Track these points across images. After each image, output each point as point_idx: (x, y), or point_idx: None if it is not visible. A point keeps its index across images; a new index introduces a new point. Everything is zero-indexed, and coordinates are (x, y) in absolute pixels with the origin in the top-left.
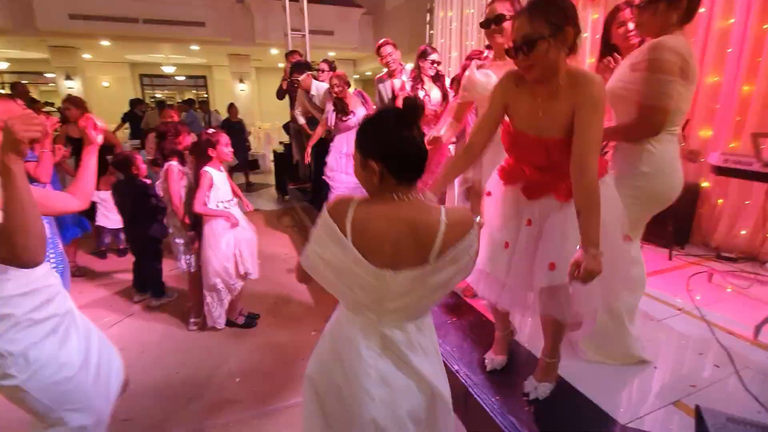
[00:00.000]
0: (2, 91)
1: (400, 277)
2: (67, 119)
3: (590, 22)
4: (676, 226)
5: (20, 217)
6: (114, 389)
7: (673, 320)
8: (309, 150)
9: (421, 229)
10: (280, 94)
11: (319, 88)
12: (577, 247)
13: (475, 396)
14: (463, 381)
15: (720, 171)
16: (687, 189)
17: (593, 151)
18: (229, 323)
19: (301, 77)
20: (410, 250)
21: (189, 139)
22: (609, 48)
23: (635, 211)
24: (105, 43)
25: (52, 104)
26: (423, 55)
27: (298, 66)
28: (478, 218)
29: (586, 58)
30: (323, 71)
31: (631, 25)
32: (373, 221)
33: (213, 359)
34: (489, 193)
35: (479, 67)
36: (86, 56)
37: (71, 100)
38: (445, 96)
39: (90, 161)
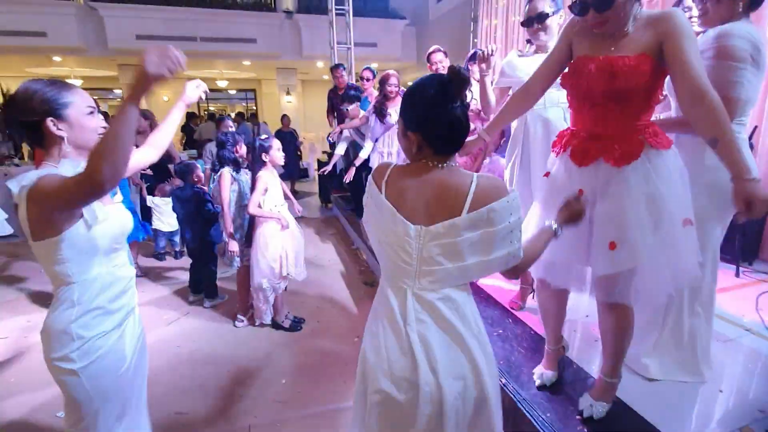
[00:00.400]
0: None
1: (432, 231)
2: (137, 130)
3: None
4: (743, 240)
5: (113, 142)
6: (143, 394)
7: (740, 341)
8: (353, 171)
9: (452, 190)
10: (329, 114)
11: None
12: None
13: (525, 412)
14: (512, 395)
15: None
16: None
17: (701, 72)
18: (276, 325)
19: (351, 107)
20: (442, 209)
21: (243, 148)
22: None
23: (710, 213)
24: None
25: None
26: (473, 59)
27: (348, 96)
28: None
29: None
30: (368, 80)
31: (694, 11)
32: (407, 181)
33: (260, 360)
34: (547, 174)
35: (520, 56)
36: None
37: (141, 112)
38: None
39: (177, 116)
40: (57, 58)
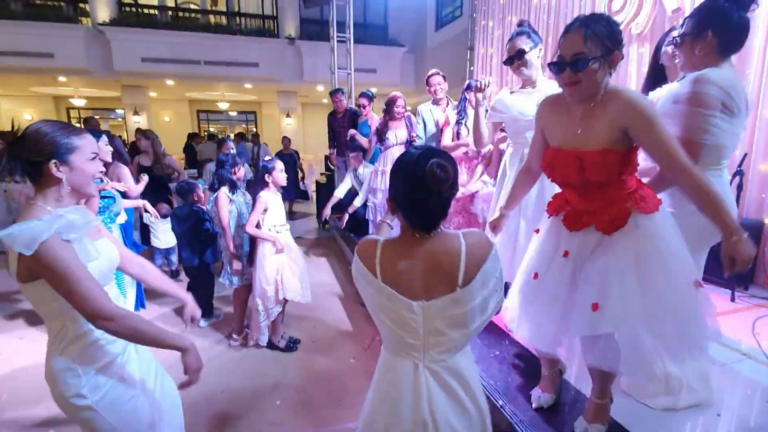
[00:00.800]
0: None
1: (434, 306)
2: (138, 150)
3: (637, 55)
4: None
5: (132, 337)
6: (176, 418)
7: (737, 365)
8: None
9: (444, 259)
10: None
11: (366, 167)
12: (628, 285)
13: None
14: (509, 417)
15: None
16: (749, 226)
17: (675, 150)
18: (271, 345)
19: (353, 154)
20: (439, 280)
21: (242, 170)
22: (656, 71)
23: (694, 246)
24: (170, 82)
25: (120, 137)
26: (469, 88)
27: (353, 146)
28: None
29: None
30: (364, 107)
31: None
32: (399, 260)
33: (255, 380)
34: (537, 231)
35: (511, 92)
36: (152, 94)
37: (143, 132)
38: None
39: (166, 288)
40: (62, 78)
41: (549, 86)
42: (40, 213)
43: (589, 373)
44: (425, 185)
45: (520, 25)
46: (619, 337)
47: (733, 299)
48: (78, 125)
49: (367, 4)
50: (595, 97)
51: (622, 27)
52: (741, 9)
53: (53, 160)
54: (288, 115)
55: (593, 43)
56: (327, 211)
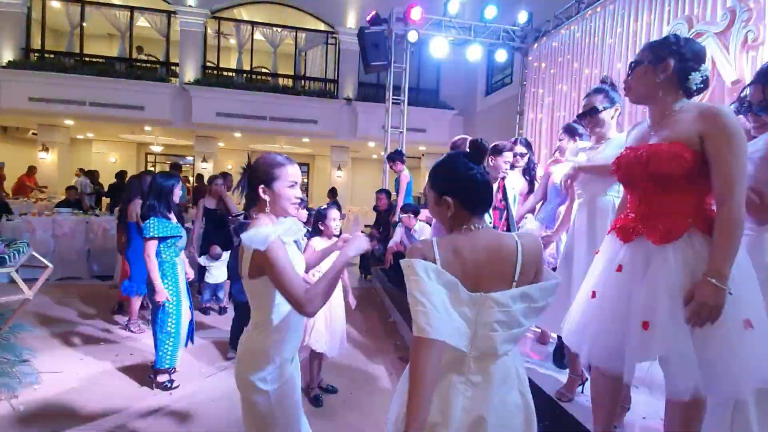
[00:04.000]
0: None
1: (492, 298)
2: (203, 192)
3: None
4: None
5: (331, 288)
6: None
7: None
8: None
9: (503, 253)
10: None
11: (422, 229)
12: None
13: None
14: None
15: None
16: None
17: (732, 181)
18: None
19: (405, 215)
20: (495, 273)
21: (300, 213)
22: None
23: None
24: (237, 134)
25: (187, 179)
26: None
27: (408, 207)
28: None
29: None
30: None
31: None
32: (458, 252)
33: None
34: (597, 252)
35: (581, 149)
36: (220, 144)
37: (223, 175)
38: (531, 184)
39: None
40: (147, 128)
41: (621, 139)
42: (263, 223)
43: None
44: (472, 159)
45: (602, 81)
46: (670, 363)
47: None
48: (157, 168)
49: (421, 70)
50: (662, 106)
51: None
52: None
53: (261, 186)
54: (339, 168)
55: (646, 51)
56: (389, 257)
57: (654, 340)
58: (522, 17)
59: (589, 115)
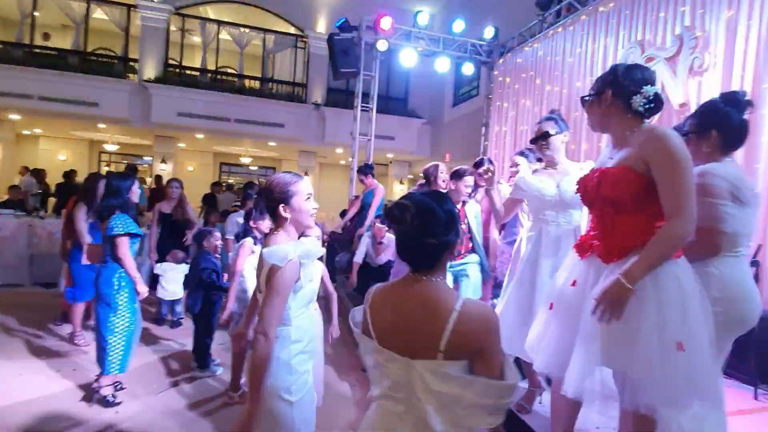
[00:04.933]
0: (107, 168)
1: (418, 367)
2: (161, 196)
3: None
4: (759, 360)
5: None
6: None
7: None
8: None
9: (431, 307)
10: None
11: (390, 241)
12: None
13: None
14: None
15: None
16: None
17: (679, 200)
18: None
19: (377, 223)
20: (421, 332)
21: (263, 225)
22: None
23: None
24: (200, 136)
25: (144, 180)
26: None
27: (380, 216)
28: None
29: None
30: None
31: None
32: (388, 299)
33: None
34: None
35: (534, 171)
36: (181, 145)
37: (178, 180)
38: None
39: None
40: (102, 125)
41: (571, 166)
42: (281, 239)
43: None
44: (396, 220)
45: (551, 111)
46: (614, 377)
47: (756, 397)
48: (110, 169)
49: (391, 78)
50: (618, 131)
51: None
52: (740, 111)
53: (281, 205)
54: (306, 173)
55: (593, 85)
56: (354, 278)
57: (600, 353)
58: (488, 33)
59: (542, 140)
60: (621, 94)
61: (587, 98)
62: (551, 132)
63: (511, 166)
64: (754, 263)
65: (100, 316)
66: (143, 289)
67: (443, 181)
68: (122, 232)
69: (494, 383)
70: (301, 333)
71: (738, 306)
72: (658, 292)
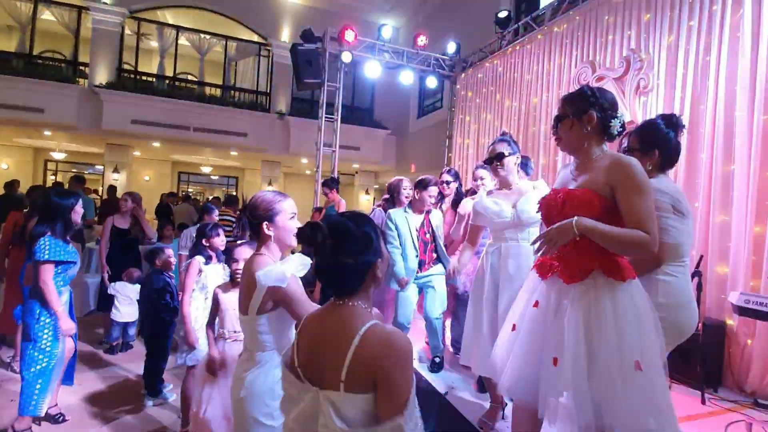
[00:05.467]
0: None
1: (322, 398)
2: (114, 209)
3: None
4: (704, 366)
5: None
6: None
7: None
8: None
9: (338, 332)
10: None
11: None
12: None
13: None
14: None
15: (742, 311)
16: (712, 326)
17: (645, 222)
18: None
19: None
20: (328, 361)
21: (218, 242)
22: None
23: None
24: (156, 144)
25: (96, 191)
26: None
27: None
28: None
29: None
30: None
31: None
32: (310, 327)
33: None
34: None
35: (488, 193)
36: (136, 153)
37: (131, 195)
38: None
39: None
40: (47, 132)
41: (525, 185)
42: (267, 260)
43: None
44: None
45: (503, 134)
46: (574, 398)
47: (703, 402)
48: (57, 179)
49: (356, 89)
50: (585, 154)
51: None
52: (675, 133)
53: (265, 223)
54: (270, 183)
55: (566, 105)
56: (317, 295)
57: (560, 376)
58: (451, 48)
59: (497, 160)
60: (603, 117)
61: (569, 117)
62: (505, 153)
63: (474, 179)
64: (697, 273)
65: (21, 349)
66: (67, 326)
67: (405, 198)
68: (45, 258)
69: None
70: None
71: (680, 312)
72: (616, 314)
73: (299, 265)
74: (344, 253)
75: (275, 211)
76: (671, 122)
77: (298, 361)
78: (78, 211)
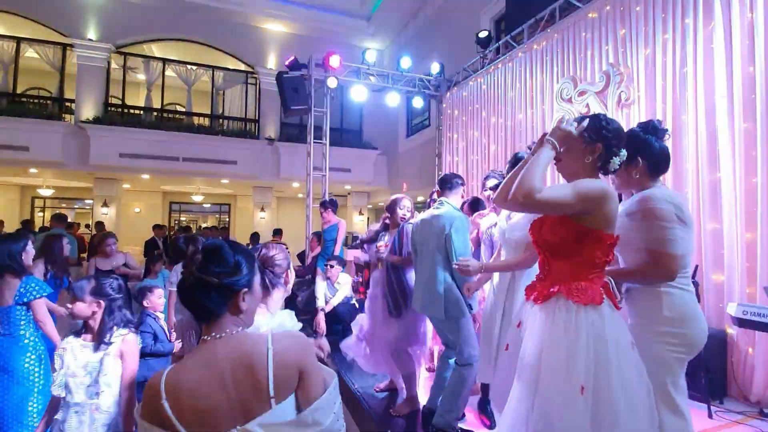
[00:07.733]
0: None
1: (252, 427)
2: (98, 251)
3: None
4: (709, 377)
5: None
6: None
7: None
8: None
9: (246, 364)
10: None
11: (346, 281)
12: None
13: None
14: None
15: (742, 323)
16: (713, 336)
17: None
18: None
19: (333, 268)
20: (248, 392)
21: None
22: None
23: (673, 359)
24: (145, 176)
25: (87, 226)
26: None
27: (333, 258)
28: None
29: None
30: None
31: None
32: (191, 379)
33: None
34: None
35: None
36: (126, 186)
37: (115, 237)
38: None
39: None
40: (33, 170)
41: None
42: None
43: None
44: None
45: (492, 171)
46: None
47: (710, 415)
48: (45, 215)
49: (344, 112)
50: (575, 179)
51: None
52: (659, 138)
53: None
54: (262, 209)
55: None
56: (323, 325)
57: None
58: (435, 68)
59: (492, 190)
60: (607, 152)
61: (584, 144)
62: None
63: (484, 190)
64: (694, 283)
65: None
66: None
67: (401, 218)
68: (37, 296)
69: (320, 405)
70: None
71: (687, 325)
72: (568, 336)
73: (280, 324)
74: (209, 272)
75: (253, 275)
76: (648, 128)
77: (186, 422)
78: (29, 252)
